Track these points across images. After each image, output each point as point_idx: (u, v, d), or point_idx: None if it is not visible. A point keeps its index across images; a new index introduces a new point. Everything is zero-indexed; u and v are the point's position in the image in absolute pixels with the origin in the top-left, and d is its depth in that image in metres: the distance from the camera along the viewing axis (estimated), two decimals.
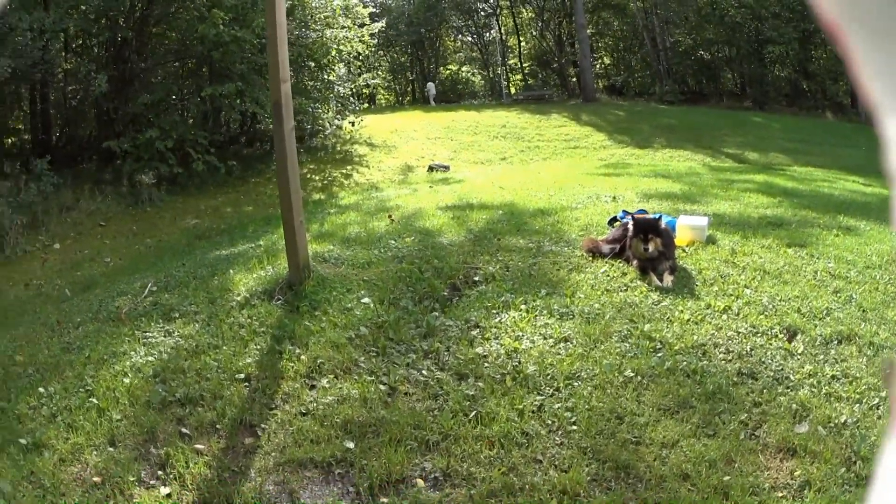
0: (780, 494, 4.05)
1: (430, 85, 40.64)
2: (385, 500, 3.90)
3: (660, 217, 7.71)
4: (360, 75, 26.48)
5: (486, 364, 5.35)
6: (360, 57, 28.89)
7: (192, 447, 4.44)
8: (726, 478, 4.13)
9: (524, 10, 46.36)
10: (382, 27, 28.65)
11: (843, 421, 4.70)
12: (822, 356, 5.57)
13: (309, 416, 4.61)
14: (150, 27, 20.23)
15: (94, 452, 4.48)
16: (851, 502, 4.05)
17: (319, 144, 23.56)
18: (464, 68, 48.72)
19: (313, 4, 21.27)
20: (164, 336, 6.09)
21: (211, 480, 4.12)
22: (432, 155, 23.47)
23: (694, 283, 7.01)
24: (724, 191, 12.76)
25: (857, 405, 4.89)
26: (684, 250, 7.89)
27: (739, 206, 10.73)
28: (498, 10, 45.62)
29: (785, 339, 5.88)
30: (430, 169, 21.00)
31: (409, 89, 46.94)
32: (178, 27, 19.12)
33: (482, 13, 45.63)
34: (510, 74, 46.28)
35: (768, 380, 5.22)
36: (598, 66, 45.83)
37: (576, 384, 5.12)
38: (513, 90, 43.77)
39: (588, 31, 41.57)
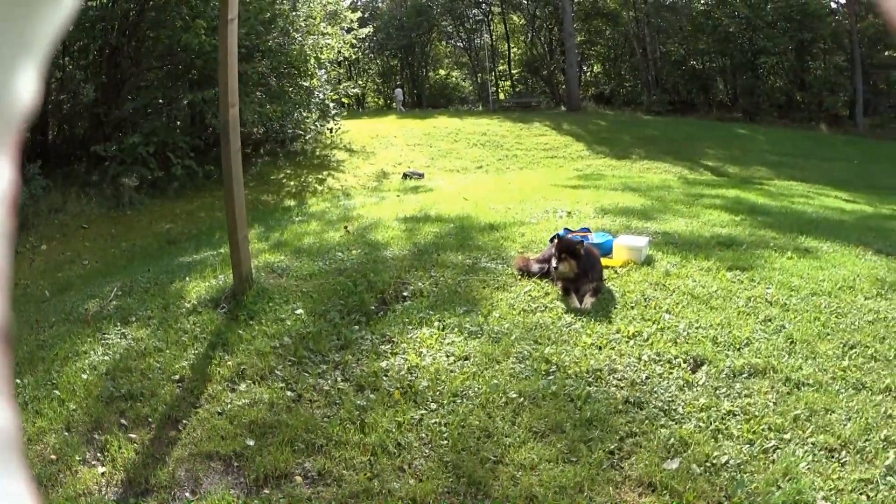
0: None
1: (398, 91, 41.25)
2: (267, 491, 4.36)
3: (581, 241, 7.58)
4: (339, 83, 26.86)
5: (385, 377, 5.64)
6: (347, 62, 29.32)
7: (126, 436, 5.04)
8: None
9: (515, 17, 46.79)
10: (370, 32, 29.09)
11: (723, 461, 4.59)
12: (724, 389, 5.45)
13: (223, 416, 5.12)
14: (143, 32, 20.75)
15: (54, 435, 5.15)
16: None
17: (299, 149, 23.90)
18: (454, 73, 49.14)
19: (294, 13, 21.70)
20: (120, 338, 6.66)
21: (136, 464, 4.71)
22: (409, 162, 23.78)
23: (614, 305, 7.01)
24: (687, 207, 12.67)
25: (748, 446, 4.76)
26: (616, 271, 7.92)
27: (696, 224, 10.64)
28: (489, 16, 46.05)
29: (689, 369, 5.79)
30: (405, 176, 21.33)
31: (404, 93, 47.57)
32: (166, 34, 19.68)
33: (473, 18, 46.03)
34: (500, 81, 46.72)
35: (654, 410, 5.17)
36: (588, 74, 46.33)
37: (459, 401, 5.31)
38: (502, 96, 44.21)
39: (579, 38, 42.17)
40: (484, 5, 45.63)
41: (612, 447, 4.74)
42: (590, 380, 5.58)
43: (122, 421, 5.28)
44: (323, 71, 24.02)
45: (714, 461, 4.59)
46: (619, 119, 34.31)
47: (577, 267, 7.23)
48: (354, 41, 26.79)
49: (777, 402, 5.29)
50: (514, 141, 27.80)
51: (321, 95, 23.60)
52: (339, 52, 25.33)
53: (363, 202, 15.46)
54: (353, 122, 28.90)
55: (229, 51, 7.08)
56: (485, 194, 14.74)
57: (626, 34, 42.68)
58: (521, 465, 4.57)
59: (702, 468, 4.52)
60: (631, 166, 24.92)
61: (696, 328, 6.49)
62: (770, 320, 6.72)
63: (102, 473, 4.71)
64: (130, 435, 5.09)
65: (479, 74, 45.43)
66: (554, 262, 7.39)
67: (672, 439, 4.80)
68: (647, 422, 5.01)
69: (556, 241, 8.03)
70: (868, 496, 4.30)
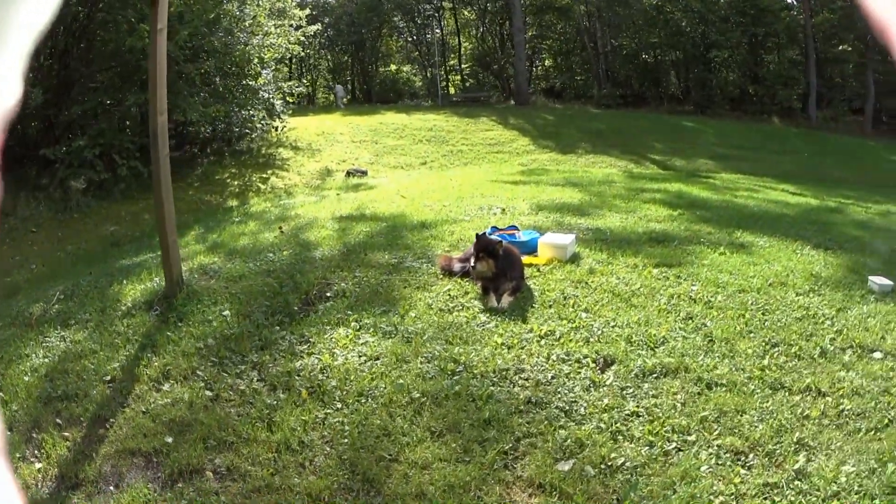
0: None
1: (339, 88, 41.63)
2: (180, 485, 4.58)
3: (500, 240, 7.69)
4: (290, 79, 26.92)
5: (297, 377, 5.81)
6: (296, 58, 29.34)
7: (61, 434, 5.27)
8: None
9: (466, 12, 46.90)
10: (319, 29, 29.17)
11: (620, 463, 4.57)
12: (631, 390, 5.45)
13: (147, 415, 5.35)
14: (92, 34, 20.83)
15: None
16: None
17: (245, 148, 23.90)
18: (405, 68, 49.19)
19: (237, 14, 21.80)
20: (60, 341, 6.88)
21: (68, 460, 4.93)
22: (354, 159, 23.84)
23: (532, 304, 7.07)
24: (626, 202, 12.70)
25: (648, 448, 4.72)
26: (538, 269, 8.00)
27: (631, 220, 10.65)
28: (440, 11, 46.13)
29: (597, 368, 5.78)
30: (348, 174, 21.47)
31: (348, 89, 47.57)
32: (111, 37, 19.78)
33: (424, 13, 46.07)
34: (451, 75, 46.83)
35: (555, 411, 5.17)
36: (539, 68, 46.52)
37: (364, 401, 5.43)
38: (452, 91, 44.38)
39: (530, 33, 42.49)
40: (435, 0, 45.71)
41: (507, 447, 4.79)
42: (495, 379, 5.65)
43: (58, 420, 5.49)
44: (267, 70, 24.05)
45: (610, 463, 4.60)
46: (566, 113, 34.26)
47: (494, 266, 7.32)
48: (303, 38, 26.90)
49: (686, 403, 5.29)
50: (461, 136, 27.85)
51: (265, 94, 23.66)
52: (287, 49, 25.36)
53: (303, 201, 15.58)
54: (301, 119, 28.77)
55: (159, 60, 7.37)
56: (423, 191, 14.86)
57: (577, 28, 42.94)
58: (415, 464, 4.67)
59: (596, 470, 4.54)
60: (576, 161, 24.98)
61: (613, 327, 6.55)
62: (691, 318, 6.78)
63: (38, 469, 4.91)
64: (64, 433, 5.32)
65: (430, 69, 45.54)
66: (472, 262, 7.48)
67: (569, 440, 4.83)
68: (545, 422, 5.05)
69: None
70: (773, 501, 4.26)
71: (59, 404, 5.76)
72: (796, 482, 4.38)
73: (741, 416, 5.11)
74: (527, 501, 4.30)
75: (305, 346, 6.40)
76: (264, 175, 21.84)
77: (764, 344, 6.27)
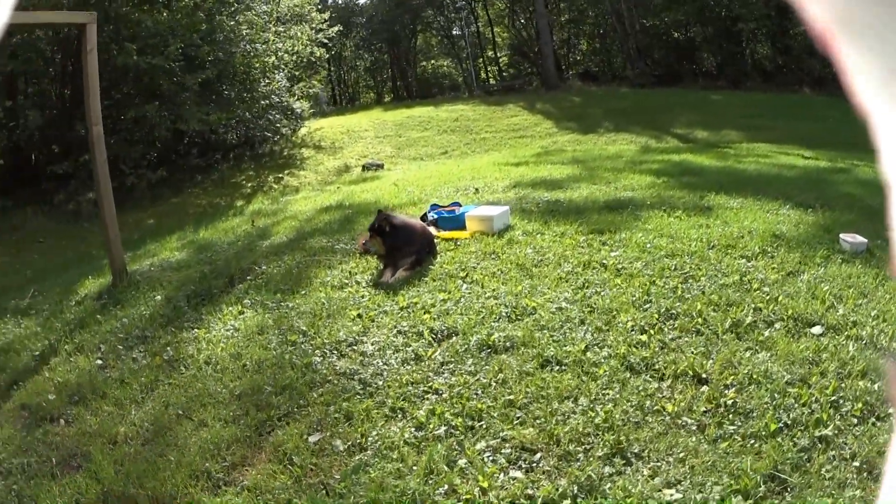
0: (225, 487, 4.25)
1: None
2: (38, 428, 5.25)
3: (387, 217, 7.82)
4: (299, 82, 27.39)
5: (168, 348, 6.28)
6: (323, 60, 29.95)
7: None
8: (185, 459, 4.53)
9: (496, 2, 47.23)
10: (340, 29, 29.79)
11: (371, 442, 4.41)
12: (451, 365, 5.23)
13: (48, 380, 6.09)
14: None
15: None
16: None
17: (267, 150, 24.57)
18: (443, 63, 49.72)
19: (231, 24, 22.25)
20: (15, 327, 7.81)
21: None
22: (376, 153, 24.22)
23: (423, 278, 7.06)
24: (614, 174, 12.47)
25: (416, 430, 4.50)
26: (455, 243, 8.06)
27: (602, 190, 10.53)
28: (473, 3, 46.51)
29: (433, 341, 5.65)
30: (364, 168, 21.97)
31: (387, 87, 48.30)
32: (102, 57, 20.48)
33: (455, 6, 46.39)
34: (489, 66, 47.24)
35: (354, 382, 5.14)
36: (576, 53, 46.66)
37: (204, 368, 5.81)
38: (492, 81, 44.79)
39: (565, 17, 42.73)
40: None
41: (281, 414, 4.87)
42: (326, 350, 5.71)
43: None
44: (280, 74, 24.62)
45: (364, 440, 4.42)
46: (595, 95, 34.09)
47: (384, 244, 7.55)
48: (325, 40, 27.64)
49: (503, 383, 4.92)
50: (485, 124, 28.01)
51: (276, 98, 24.18)
52: (310, 53, 26.15)
53: (302, 197, 16.12)
54: (329, 119, 29.59)
55: (91, 77, 8.18)
56: (418, 179, 15.11)
57: (607, 10, 43.02)
58: (197, 422, 5.00)
59: (346, 446, 4.39)
60: (596, 140, 24.95)
61: (486, 298, 6.34)
62: (587, 286, 6.42)
63: None
64: None
65: (467, 62, 45.98)
66: (364, 241, 7.93)
67: (340, 413, 4.75)
68: (337, 393, 5.03)
69: (428, 217, 8.41)
70: None
71: None
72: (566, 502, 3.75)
73: (560, 403, 4.60)
74: (259, 466, 4.37)
75: (196, 323, 6.80)
76: (280, 175, 22.28)
77: (657, 316, 5.73)
